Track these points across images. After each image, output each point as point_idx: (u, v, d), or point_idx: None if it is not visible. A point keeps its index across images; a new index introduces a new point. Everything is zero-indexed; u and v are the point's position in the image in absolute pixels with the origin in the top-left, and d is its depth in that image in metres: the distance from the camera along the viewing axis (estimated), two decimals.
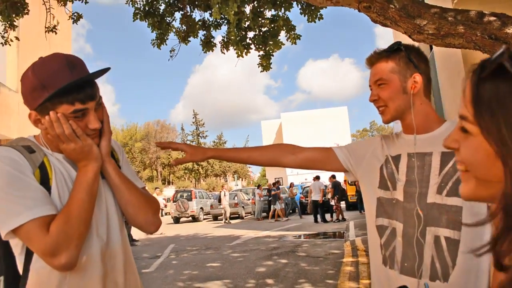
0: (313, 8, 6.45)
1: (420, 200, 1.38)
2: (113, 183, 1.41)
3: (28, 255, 1.26)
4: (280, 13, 6.78)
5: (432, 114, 1.47)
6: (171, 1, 7.13)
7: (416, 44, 1.88)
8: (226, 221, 20.54)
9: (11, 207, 1.18)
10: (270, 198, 21.83)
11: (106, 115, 1.41)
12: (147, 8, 7.01)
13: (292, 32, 7.00)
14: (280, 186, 21.09)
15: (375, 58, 1.49)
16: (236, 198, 23.57)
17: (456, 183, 1.33)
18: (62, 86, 1.22)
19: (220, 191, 22.00)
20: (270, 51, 6.89)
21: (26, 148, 1.31)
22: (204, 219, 23.92)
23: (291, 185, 22.44)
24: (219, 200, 21.65)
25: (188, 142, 57.84)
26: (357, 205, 20.08)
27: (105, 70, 1.33)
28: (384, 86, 1.45)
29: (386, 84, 1.45)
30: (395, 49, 1.46)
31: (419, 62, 1.44)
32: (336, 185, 17.49)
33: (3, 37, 7.95)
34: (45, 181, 1.28)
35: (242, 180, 71.73)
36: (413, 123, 1.44)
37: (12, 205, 1.18)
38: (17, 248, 1.28)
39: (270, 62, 7.11)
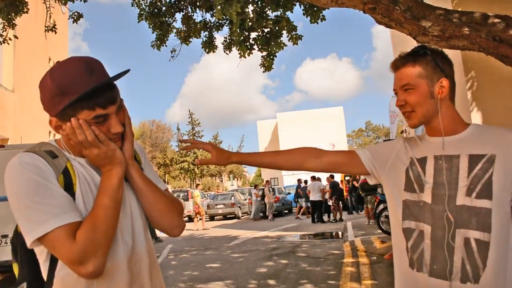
0: (315, 9, 6.46)
1: (449, 203, 1.38)
2: (137, 186, 1.38)
3: (53, 262, 1.23)
4: (283, 14, 6.77)
5: (457, 117, 1.47)
6: (171, 2, 7.11)
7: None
8: (270, 218, 20.31)
9: (36, 215, 1.15)
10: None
11: (128, 117, 1.37)
12: (149, 9, 6.99)
13: (294, 32, 7.00)
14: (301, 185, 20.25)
15: (400, 63, 1.47)
16: (232, 198, 23.50)
17: (485, 185, 1.34)
18: (83, 93, 1.19)
19: (265, 187, 21.29)
20: (273, 52, 6.88)
21: (48, 153, 1.27)
22: (200, 219, 23.83)
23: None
24: (263, 197, 21.08)
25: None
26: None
27: (125, 72, 1.30)
28: (411, 91, 1.45)
29: (414, 89, 1.44)
30: (421, 53, 1.45)
31: (445, 66, 1.44)
32: (334, 185, 17.48)
33: (1, 35, 7.85)
34: (69, 187, 1.24)
35: (237, 180, 71.56)
36: (441, 127, 1.44)
37: (37, 213, 1.15)
38: (42, 255, 1.26)
39: (273, 62, 7.10)
